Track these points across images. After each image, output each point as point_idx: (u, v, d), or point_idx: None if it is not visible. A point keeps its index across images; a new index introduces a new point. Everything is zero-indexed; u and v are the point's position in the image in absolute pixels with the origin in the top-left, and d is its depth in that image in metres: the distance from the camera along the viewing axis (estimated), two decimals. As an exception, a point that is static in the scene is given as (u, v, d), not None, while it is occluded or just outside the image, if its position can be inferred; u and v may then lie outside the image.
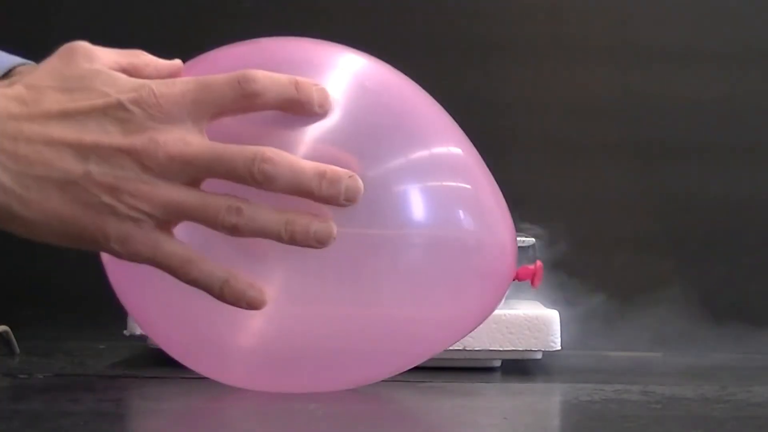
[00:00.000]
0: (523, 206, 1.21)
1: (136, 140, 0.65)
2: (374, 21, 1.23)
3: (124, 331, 0.92)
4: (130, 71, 0.69)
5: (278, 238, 0.66)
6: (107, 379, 0.86)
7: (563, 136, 1.22)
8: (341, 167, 0.67)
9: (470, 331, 0.76)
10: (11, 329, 0.98)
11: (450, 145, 0.75)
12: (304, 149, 0.68)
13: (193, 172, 0.65)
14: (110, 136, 0.65)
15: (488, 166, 1.22)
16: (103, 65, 0.67)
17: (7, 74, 0.75)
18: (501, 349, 0.92)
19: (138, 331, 0.91)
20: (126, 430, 0.72)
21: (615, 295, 1.20)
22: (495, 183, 0.77)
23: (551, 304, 0.99)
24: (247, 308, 0.67)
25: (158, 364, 0.93)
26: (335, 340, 0.71)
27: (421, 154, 0.72)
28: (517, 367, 0.94)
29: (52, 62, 0.67)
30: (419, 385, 0.87)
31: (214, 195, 0.66)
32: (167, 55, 1.22)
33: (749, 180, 1.23)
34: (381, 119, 0.72)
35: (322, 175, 0.66)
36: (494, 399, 0.83)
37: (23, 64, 0.76)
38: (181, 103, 0.66)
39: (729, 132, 1.23)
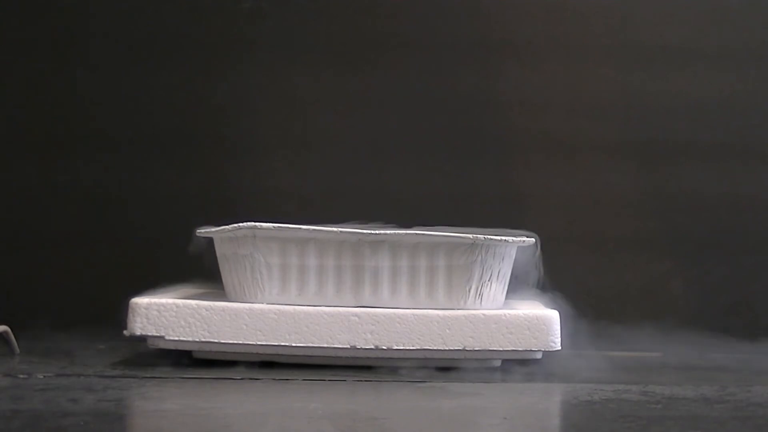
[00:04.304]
0: (523, 206, 1.22)
1: None
2: (374, 21, 1.23)
3: (124, 331, 0.92)
4: None
5: None
6: (107, 379, 0.86)
7: (563, 136, 1.22)
8: None
9: None
10: (11, 329, 0.98)
11: None
12: None
13: None
14: None
15: (488, 166, 1.22)
16: None
17: None
18: (501, 349, 0.92)
19: (138, 331, 0.91)
20: (126, 430, 0.72)
21: (615, 294, 1.20)
22: None
23: (551, 304, 1.00)
24: None
25: (158, 364, 0.93)
26: None
27: None
28: (517, 367, 0.94)
29: None
30: (419, 385, 0.87)
31: None
32: (168, 55, 1.23)
33: (749, 180, 1.23)
34: None
35: None
36: (494, 399, 0.83)
37: None
38: None
39: (729, 132, 1.23)
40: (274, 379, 0.88)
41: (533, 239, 0.98)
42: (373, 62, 1.23)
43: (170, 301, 0.92)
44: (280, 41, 1.22)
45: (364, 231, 0.93)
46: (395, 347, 0.91)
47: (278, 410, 0.78)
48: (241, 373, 0.89)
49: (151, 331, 0.91)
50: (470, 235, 0.93)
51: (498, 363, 0.95)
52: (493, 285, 0.95)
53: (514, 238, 0.95)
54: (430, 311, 0.92)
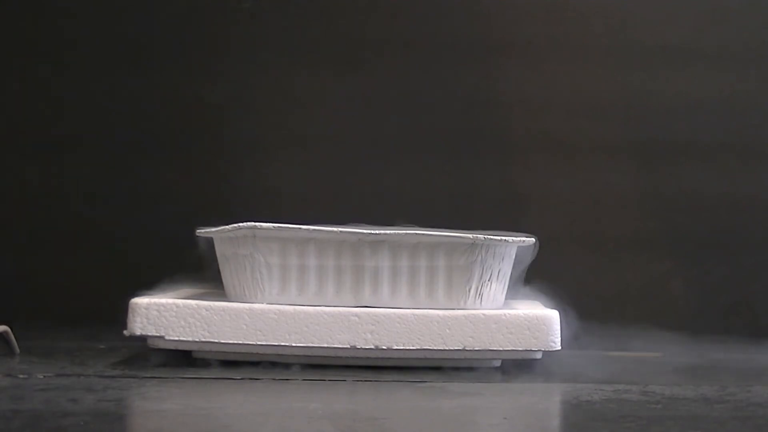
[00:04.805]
0: (523, 206, 1.22)
1: None
2: (374, 21, 1.23)
3: (124, 331, 0.92)
4: None
5: None
6: (107, 379, 0.86)
7: (563, 136, 1.22)
8: None
9: None
10: (11, 329, 0.98)
11: None
12: None
13: None
14: None
15: (488, 166, 1.22)
16: None
17: None
18: (501, 349, 0.92)
19: (138, 331, 0.91)
20: (126, 430, 0.72)
21: (615, 294, 1.20)
22: None
23: (551, 304, 1.00)
24: None
25: (158, 364, 0.93)
26: None
27: None
28: (517, 367, 0.94)
29: None
30: (419, 385, 0.87)
31: None
32: (168, 55, 1.23)
33: (749, 180, 1.23)
34: None
35: None
36: (494, 399, 0.83)
37: None
38: None
39: (729, 132, 1.23)
40: (274, 379, 0.88)
41: (533, 239, 0.98)
42: (373, 62, 1.23)
43: (170, 301, 0.92)
44: (280, 41, 1.22)
45: (364, 231, 0.93)
46: (395, 347, 0.91)
47: (278, 410, 0.78)
48: (241, 373, 0.89)
49: (151, 331, 0.91)
50: (470, 235, 0.93)
51: (498, 363, 0.95)
52: (493, 285, 0.95)
53: (514, 238, 0.95)
54: (430, 311, 0.92)
